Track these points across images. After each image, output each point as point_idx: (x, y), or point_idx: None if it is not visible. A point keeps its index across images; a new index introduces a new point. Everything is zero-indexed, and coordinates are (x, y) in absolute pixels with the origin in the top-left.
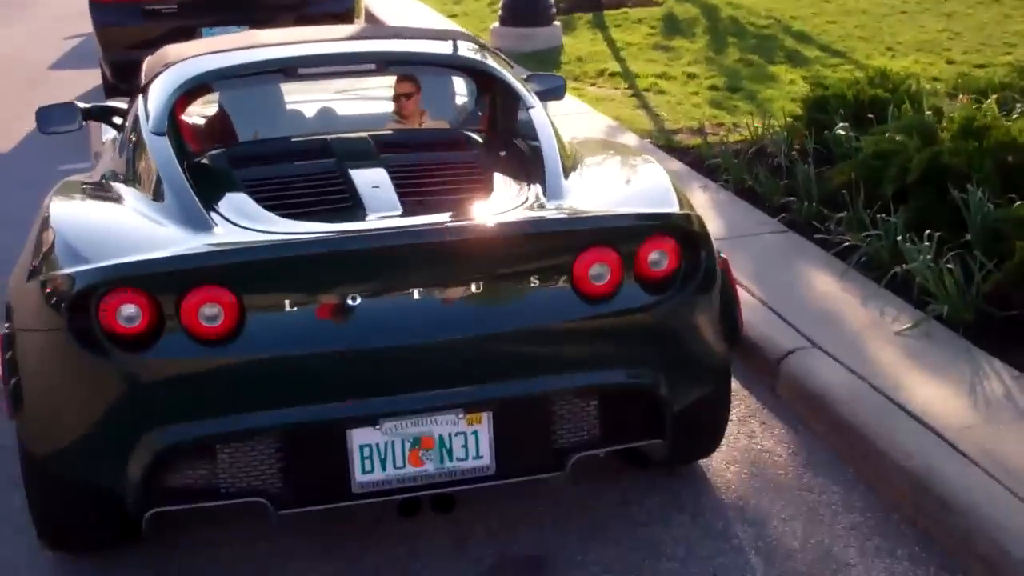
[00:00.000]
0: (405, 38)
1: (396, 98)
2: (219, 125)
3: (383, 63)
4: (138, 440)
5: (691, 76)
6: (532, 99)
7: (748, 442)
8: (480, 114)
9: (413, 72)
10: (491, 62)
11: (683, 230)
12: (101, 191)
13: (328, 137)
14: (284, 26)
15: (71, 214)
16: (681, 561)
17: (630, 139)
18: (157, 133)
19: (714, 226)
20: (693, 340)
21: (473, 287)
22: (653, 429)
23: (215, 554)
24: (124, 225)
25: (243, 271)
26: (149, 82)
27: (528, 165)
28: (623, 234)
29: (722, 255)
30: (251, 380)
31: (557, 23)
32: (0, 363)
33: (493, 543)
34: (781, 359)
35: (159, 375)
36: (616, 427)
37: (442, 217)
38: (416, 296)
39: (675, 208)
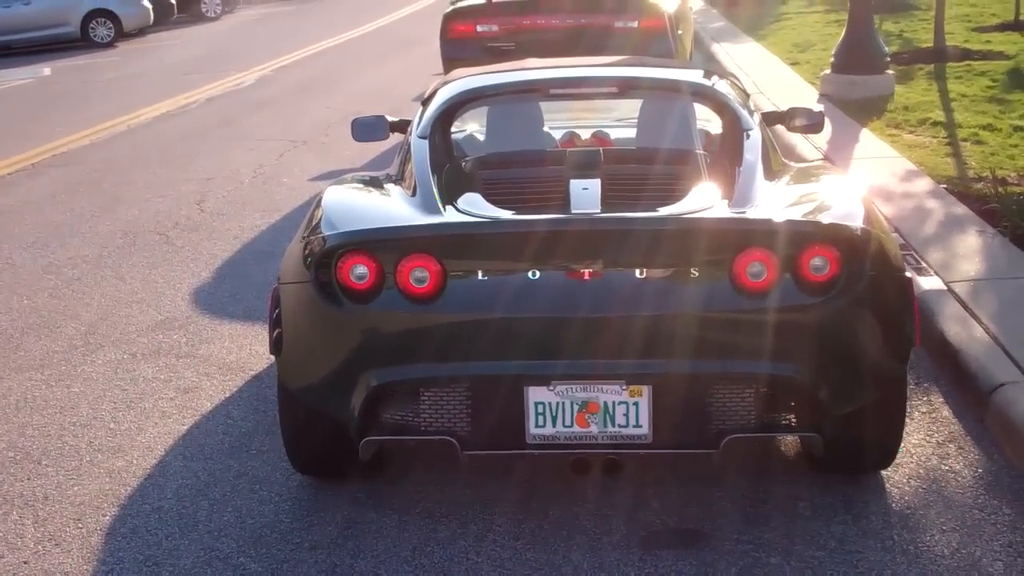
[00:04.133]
0: (654, 67)
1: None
2: (479, 134)
3: (622, 87)
4: (359, 378)
5: (1017, 129)
6: (751, 123)
7: (938, 462)
8: (704, 134)
9: (650, 95)
10: (721, 89)
11: (847, 241)
12: (369, 183)
13: (567, 151)
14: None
15: (337, 197)
16: (829, 552)
17: (925, 184)
18: (421, 137)
19: (971, 264)
20: (854, 346)
21: (641, 272)
22: (808, 424)
23: (417, 497)
24: (374, 206)
25: (446, 243)
26: (429, 97)
27: (728, 178)
28: (784, 238)
29: (907, 274)
30: (449, 335)
31: (890, 72)
32: (269, 311)
33: (662, 514)
34: (993, 391)
35: (377, 324)
36: (772, 416)
37: (623, 213)
38: (591, 276)
39: (855, 223)
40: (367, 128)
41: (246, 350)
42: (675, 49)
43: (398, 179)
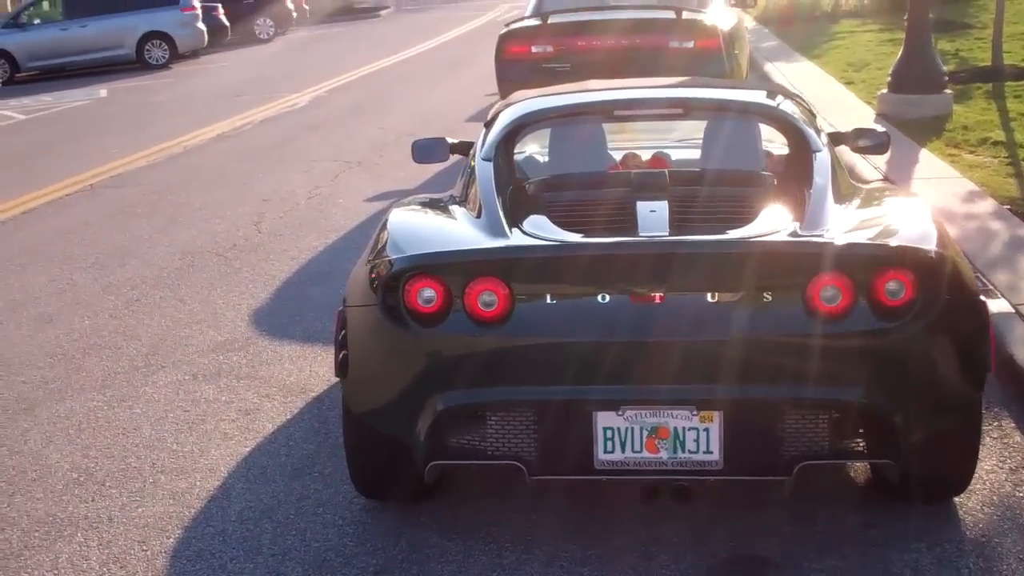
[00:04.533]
0: (718, 88)
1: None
2: (540, 156)
3: (688, 108)
4: (425, 401)
5: None
6: (820, 144)
7: (1012, 489)
8: (769, 155)
9: (715, 116)
10: (788, 110)
11: (922, 265)
12: (433, 206)
13: (632, 172)
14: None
15: (402, 219)
16: None
17: (987, 204)
18: (485, 159)
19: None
20: (929, 372)
21: (714, 297)
22: (882, 450)
23: (480, 522)
24: (440, 229)
25: (514, 267)
26: (492, 119)
27: (799, 200)
28: (858, 262)
29: (981, 298)
30: (517, 359)
31: (948, 91)
32: (335, 333)
33: (730, 541)
34: None
35: (445, 348)
36: (845, 443)
37: (694, 236)
38: (660, 300)
39: (930, 246)
40: (427, 150)
41: (307, 372)
42: (730, 69)
43: (462, 201)
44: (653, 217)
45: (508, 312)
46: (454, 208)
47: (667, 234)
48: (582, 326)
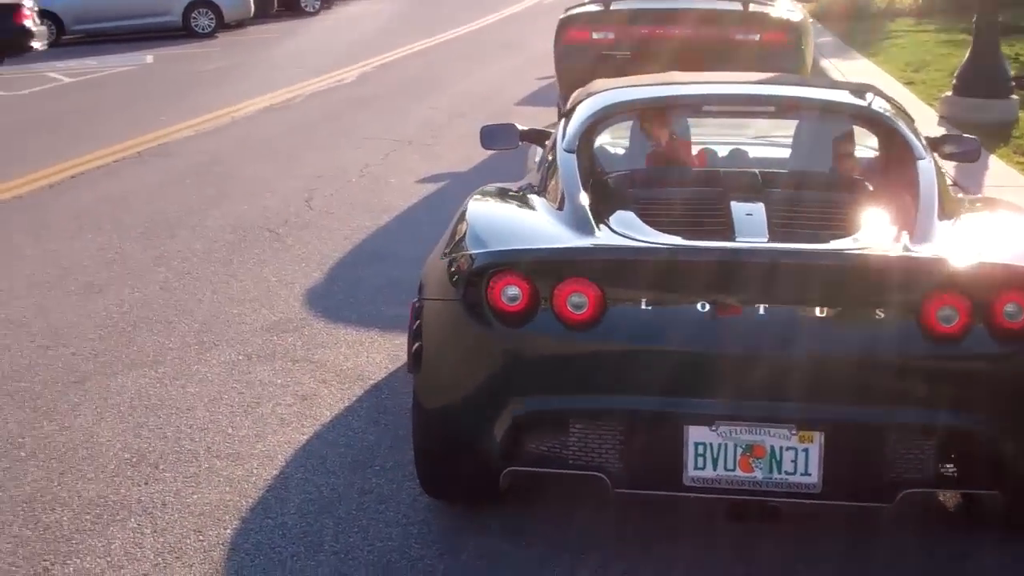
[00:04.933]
0: (809, 86)
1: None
2: (627, 150)
3: (782, 107)
4: (505, 404)
5: None
6: (923, 151)
7: None
8: (872, 161)
9: (808, 116)
10: (888, 113)
11: None
12: (513, 196)
13: (721, 170)
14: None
15: (482, 210)
16: None
17: None
18: (568, 151)
19: None
20: None
21: (820, 311)
22: (991, 480)
23: (554, 529)
24: (523, 223)
25: (608, 268)
26: (572, 108)
27: (904, 210)
28: (977, 281)
29: None
30: (605, 365)
31: (1014, 97)
32: (409, 325)
33: (818, 565)
34: None
35: (529, 349)
36: (951, 470)
37: (801, 245)
38: (763, 312)
39: None
40: (496, 135)
41: (363, 357)
42: (796, 65)
43: (541, 191)
44: (750, 221)
45: (599, 315)
46: (534, 200)
47: (766, 240)
48: (677, 334)
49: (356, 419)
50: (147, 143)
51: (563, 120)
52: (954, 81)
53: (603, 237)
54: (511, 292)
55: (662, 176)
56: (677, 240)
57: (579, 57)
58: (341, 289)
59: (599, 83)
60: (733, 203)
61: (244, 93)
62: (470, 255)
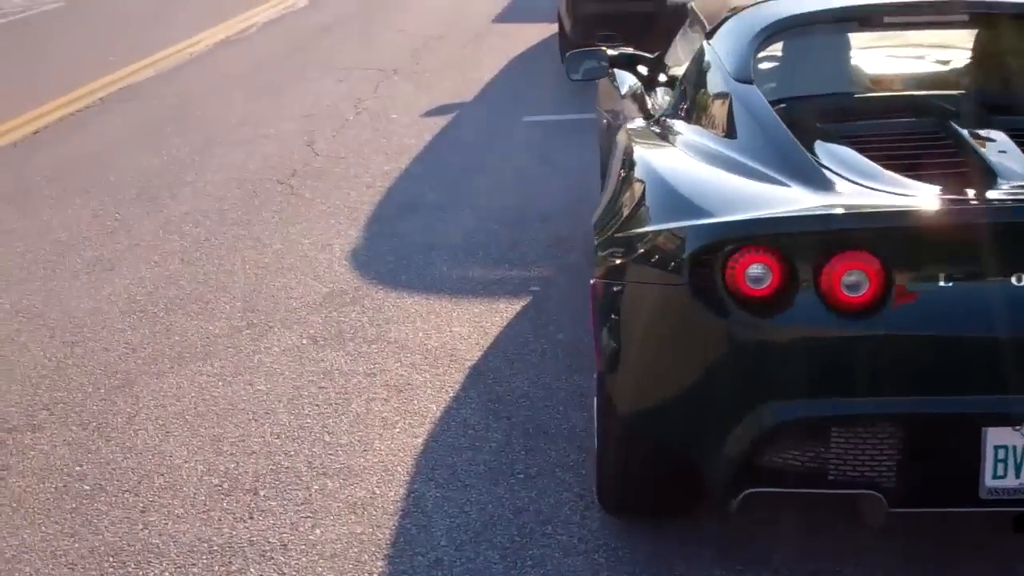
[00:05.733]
0: None
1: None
2: (790, 74)
3: (980, 14)
4: (748, 411)
5: None
6: None
7: None
8: None
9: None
10: None
11: None
12: (685, 141)
13: (917, 94)
14: None
15: (664, 162)
16: None
17: None
18: (744, 81)
19: None
20: None
21: None
22: None
23: (773, 546)
24: (729, 178)
25: (897, 238)
26: (715, 28)
27: None
28: None
29: None
30: (886, 360)
31: None
32: (593, 314)
33: None
34: None
35: (785, 344)
36: None
37: None
38: None
39: None
40: (584, 63)
41: (446, 333)
42: None
43: (719, 133)
44: (1007, 161)
45: (881, 297)
46: (715, 144)
47: None
48: (977, 317)
49: (470, 413)
50: (107, 87)
51: (705, 44)
52: None
53: (859, 194)
54: (758, 272)
55: (850, 105)
56: (957, 193)
57: None
58: (388, 249)
59: None
60: (965, 136)
61: (192, 27)
62: (693, 227)
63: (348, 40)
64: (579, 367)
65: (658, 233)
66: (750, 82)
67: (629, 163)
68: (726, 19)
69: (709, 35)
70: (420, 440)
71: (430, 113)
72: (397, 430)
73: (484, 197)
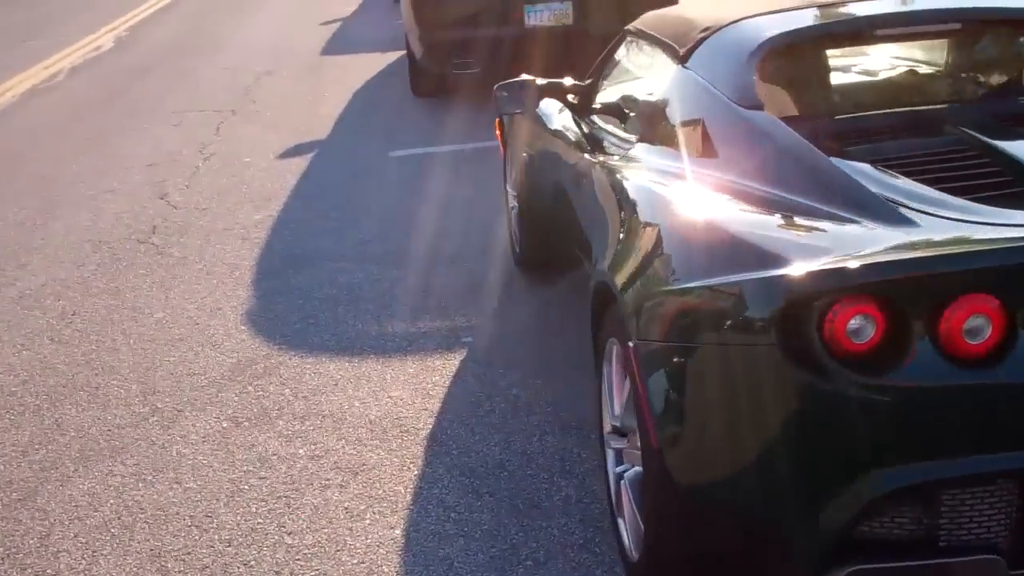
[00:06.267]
0: None
1: None
2: (787, 95)
3: (972, 21)
4: (850, 481)
5: None
6: None
7: None
8: None
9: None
10: None
11: None
12: (717, 183)
13: (923, 108)
14: None
15: (706, 209)
16: None
17: None
18: (752, 107)
19: None
20: None
21: None
22: None
23: None
24: (799, 221)
25: (1019, 275)
26: (690, 51)
27: None
28: None
29: None
30: (1007, 411)
31: None
32: (637, 379)
33: None
34: None
35: (895, 403)
36: None
37: None
38: None
39: None
40: (515, 96)
41: (384, 399)
42: None
43: (746, 169)
44: None
45: (1002, 342)
46: (741, 179)
47: None
48: None
49: (446, 493)
50: None
51: (679, 68)
52: None
53: (943, 227)
54: (861, 324)
55: (860, 124)
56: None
57: None
58: (287, 309)
59: (698, 15)
60: (998, 150)
61: None
62: (781, 277)
63: (171, 80)
64: (549, 427)
65: (731, 286)
66: (760, 108)
67: (642, 206)
68: (701, 40)
69: (684, 59)
70: (399, 532)
71: (286, 154)
72: (367, 521)
73: (376, 243)
